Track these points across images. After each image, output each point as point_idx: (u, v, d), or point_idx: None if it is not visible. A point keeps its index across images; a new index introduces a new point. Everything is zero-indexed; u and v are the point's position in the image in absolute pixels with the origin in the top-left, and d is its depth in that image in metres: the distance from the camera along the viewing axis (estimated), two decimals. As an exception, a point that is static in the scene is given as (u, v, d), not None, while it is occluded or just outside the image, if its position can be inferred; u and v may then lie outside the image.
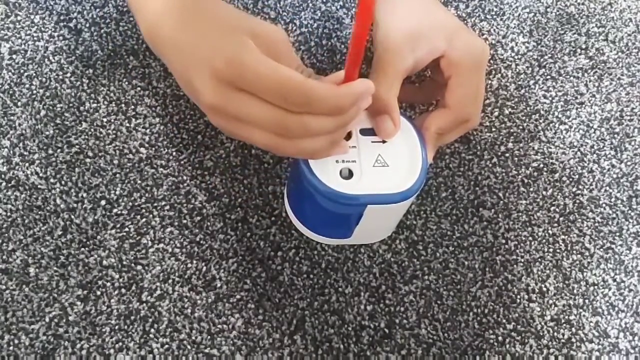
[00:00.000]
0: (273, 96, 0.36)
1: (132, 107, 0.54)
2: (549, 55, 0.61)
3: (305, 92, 0.36)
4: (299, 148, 0.39)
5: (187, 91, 0.41)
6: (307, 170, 0.43)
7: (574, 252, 0.54)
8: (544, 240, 0.54)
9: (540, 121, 0.58)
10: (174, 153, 0.53)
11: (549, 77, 0.60)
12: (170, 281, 0.49)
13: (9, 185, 0.51)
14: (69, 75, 0.55)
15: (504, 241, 0.54)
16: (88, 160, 0.52)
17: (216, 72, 0.37)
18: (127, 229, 0.51)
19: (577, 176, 0.57)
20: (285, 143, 0.39)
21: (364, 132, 0.45)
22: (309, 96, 0.36)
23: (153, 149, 0.53)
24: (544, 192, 0.56)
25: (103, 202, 0.51)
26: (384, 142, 0.45)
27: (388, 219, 0.48)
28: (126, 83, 0.55)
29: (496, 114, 0.58)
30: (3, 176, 0.51)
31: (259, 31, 0.39)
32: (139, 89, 0.55)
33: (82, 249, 0.50)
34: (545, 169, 0.56)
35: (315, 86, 0.36)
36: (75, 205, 0.51)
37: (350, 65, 0.38)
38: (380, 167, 0.44)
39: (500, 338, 0.51)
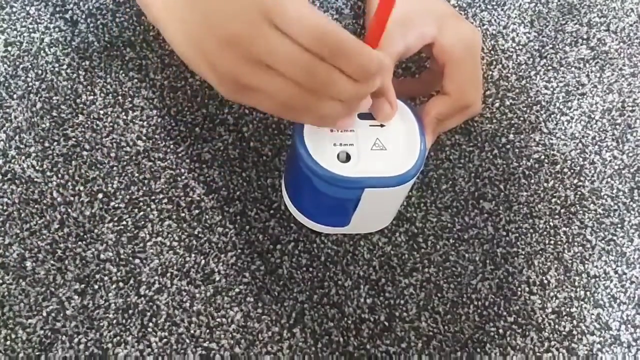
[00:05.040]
0: (308, 36, 0.35)
1: (129, 99, 0.54)
2: (550, 46, 0.60)
3: (341, 40, 0.35)
4: (315, 106, 0.37)
5: (196, 54, 0.38)
6: (305, 154, 0.43)
7: (575, 244, 0.54)
8: (545, 232, 0.54)
9: (542, 112, 0.58)
10: (172, 146, 0.53)
11: (550, 67, 0.60)
12: (168, 275, 0.49)
13: (5, 178, 0.50)
14: (65, 67, 0.54)
15: (504, 233, 0.53)
16: (85, 153, 0.52)
17: (232, 37, 0.35)
18: (124, 223, 0.50)
19: (578, 168, 0.56)
20: (304, 97, 0.37)
21: (362, 116, 0.45)
22: (343, 46, 0.35)
23: (150, 141, 0.53)
24: (545, 184, 0.55)
25: (100, 196, 0.51)
26: (382, 125, 0.45)
27: (386, 204, 0.48)
28: (123, 75, 0.54)
29: (497, 105, 0.57)
30: (-1, 169, 0.51)
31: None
32: (135, 80, 0.54)
33: (80, 242, 0.49)
34: (546, 160, 0.56)
35: (351, 38, 0.35)
36: (72, 198, 0.50)
37: (372, 34, 0.38)
38: (379, 151, 0.44)
39: (501, 331, 0.50)
